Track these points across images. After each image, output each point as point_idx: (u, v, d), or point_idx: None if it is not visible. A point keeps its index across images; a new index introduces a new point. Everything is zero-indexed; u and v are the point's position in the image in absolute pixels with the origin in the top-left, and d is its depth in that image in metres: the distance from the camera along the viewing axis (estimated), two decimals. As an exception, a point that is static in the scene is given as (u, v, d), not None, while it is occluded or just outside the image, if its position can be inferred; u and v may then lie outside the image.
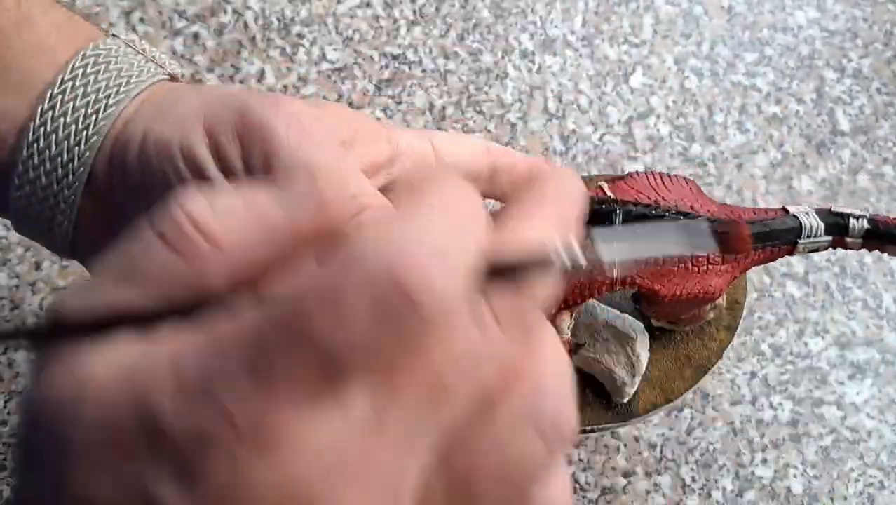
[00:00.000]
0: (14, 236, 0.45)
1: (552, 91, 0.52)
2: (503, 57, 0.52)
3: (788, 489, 0.42)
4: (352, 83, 0.50)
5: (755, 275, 0.47)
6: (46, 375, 0.17)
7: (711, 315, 0.38)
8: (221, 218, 0.17)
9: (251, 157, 0.25)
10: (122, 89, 0.27)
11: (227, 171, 0.26)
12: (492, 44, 0.53)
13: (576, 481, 0.41)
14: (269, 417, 0.15)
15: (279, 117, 0.26)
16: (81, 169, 0.27)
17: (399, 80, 0.51)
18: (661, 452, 0.42)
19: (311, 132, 0.26)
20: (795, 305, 0.47)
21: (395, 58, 0.52)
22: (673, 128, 0.51)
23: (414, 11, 0.53)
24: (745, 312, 0.39)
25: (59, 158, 0.27)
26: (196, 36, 0.51)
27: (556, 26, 0.54)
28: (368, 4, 0.53)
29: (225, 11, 0.52)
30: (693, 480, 0.42)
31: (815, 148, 0.51)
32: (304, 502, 0.15)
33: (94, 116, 0.27)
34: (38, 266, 0.44)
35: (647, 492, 0.41)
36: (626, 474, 0.42)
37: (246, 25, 0.51)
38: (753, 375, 0.45)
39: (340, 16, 0.53)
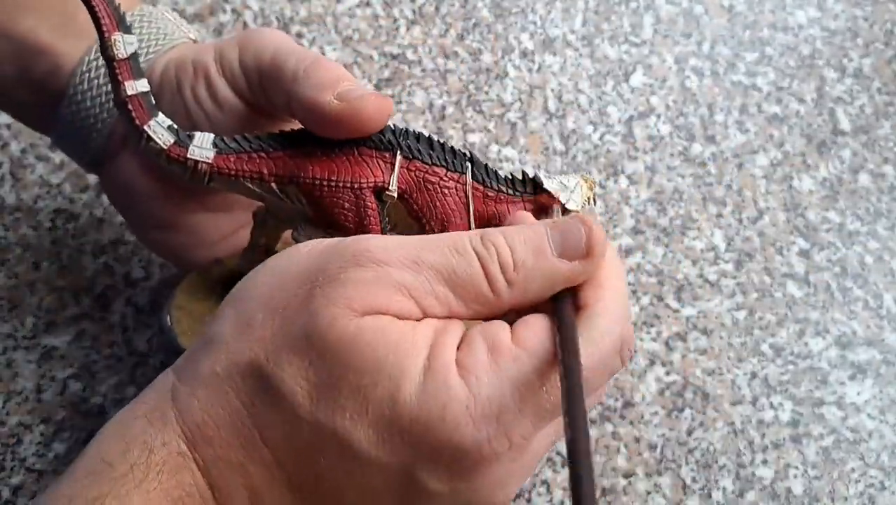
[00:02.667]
0: (13, 236, 0.45)
1: (552, 90, 0.52)
2: (503, 56, 0.52)
3: (789, 490, 0.42)
4: (351, 83, 0.50)
5: (755, 275, 0.47)
6: (355, 308, 0.24)
7: None
8: (528, 267, 0.26)
9: (245, 57, 0.32)
10: (159, 42, 0.35)
11: (226, 73, 0.33)
12: (492, 43, 0.53)
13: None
14: (530, 435, 0.25)
15: (270, 30, 0.33)
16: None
17: (399, 80, 0.51)
18: (662, 452, 0.42)
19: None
20: (796, 306, 0.46)
21: (394, 57, 0.51)
22: (673, 127, 0.51)
23: (413, 11, 0.53)
24: None
25: (104, 88, 0.34)
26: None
27: (556, 26, 0.54)
28: (368, 4, 0.53)
29: (224, 11, 0.52)
30: (693, 480, 0.42)
31: (816, 147, 0.51)
32: (520, 480, 0.26)
33: (141, 57, 0.34)
34: (36, 266, 0.44)
35: (648, 493, 0.41)
36: (626, 475, 0.42)
37: (245, 25, 0.51)
38: (754, 375, 0.44)
39: (340, 15, 0.52)
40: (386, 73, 0.51)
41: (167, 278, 0.44)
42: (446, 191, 0.31)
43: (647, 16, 0.55)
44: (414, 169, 0.31)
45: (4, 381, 0.41)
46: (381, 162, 0.31)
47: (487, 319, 0.26)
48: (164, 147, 0.31)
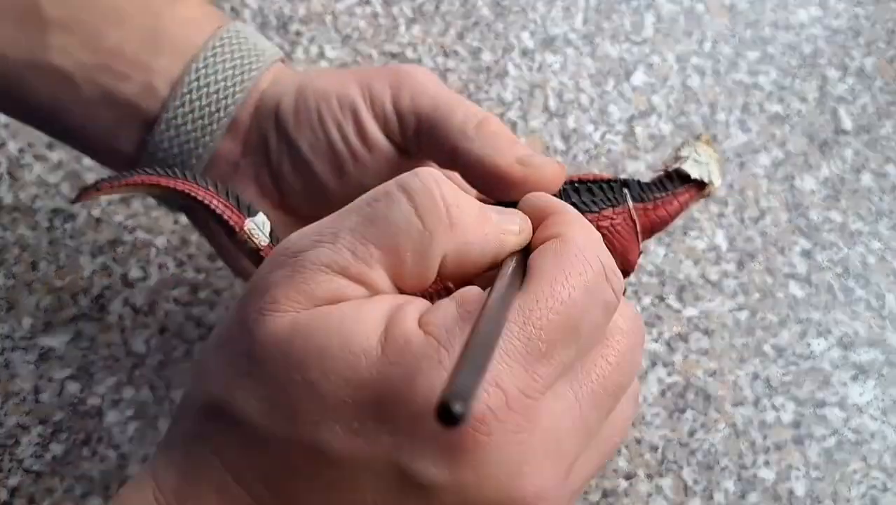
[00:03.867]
0: (10, 236, 0.44)
1: (553, 89, 0.51)
2: (503, 55, 0.52)
3: (791, 491, 0.42)
4: (351, 82, 0.50)
5: (757, 276, 0.47)
6: (283, 307, 0.22)
7: None
8: (462, 208, 0.23)
9: (400, 100, 0.31)
10: (261, 58, 0.34)
11: (377, 113, 0.32)
12: (492, 42, 0.52)
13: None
14: (529, 388, 0.21)
15: (418, 69, 0.32)
16: (225, 118, 0.33)
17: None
18: (663, 453, 0.42)
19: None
20: (798, 306, 0.46)
21: (394, 56, 0.51)
22: (675, 127, 0.51)
23: (413, 9, 0.53)
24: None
25: (208, 108, 0.33)
26: (194, 34, 0.50)
27: (556, 24, 0.53)
28: (367, 2, 0.53)
29: (222, 9, 0.52)
30: (695, 482, 0.41)
31: (818, 147, 0.51)
32: (547, 464, 0.22)
33: (239, 78, 0.33)
34: (34, 266, 0.44)
35: (649, 494, 0.41)
36: (627, 476, 0.41)
37: (244, 23, 0.51)
38: (756, 376, 0.44)
39: (339, 14, 0.52)
40: (386, 72, 0.51)
41: (165, 279, 0.44)
42: (618, 227, 0.32)
43: (648, 14, 0.54)
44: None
45: (2, 382, 0.41)
46: None
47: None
48: None
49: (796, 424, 0.43)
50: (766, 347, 0.45)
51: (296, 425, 0.21)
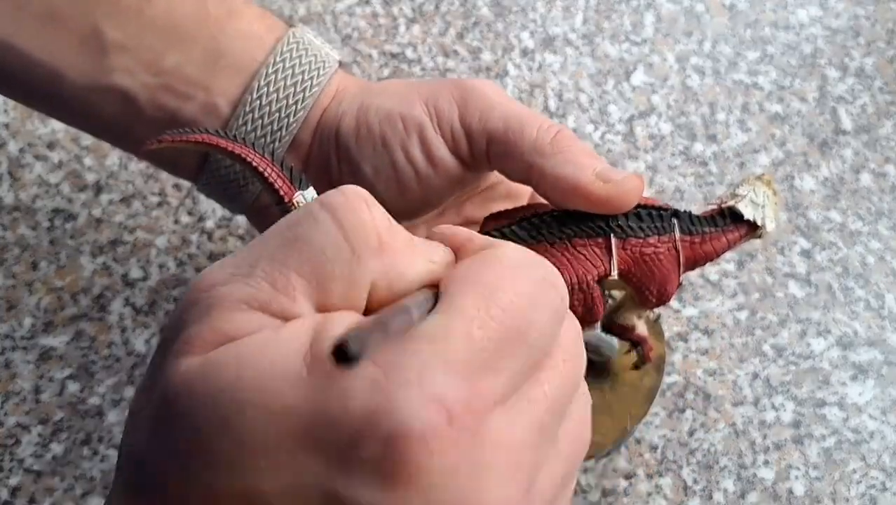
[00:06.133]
0: (11, 236, 0.44)
1: (552, 89, 0.51)
2: (503, 55, 0.52)
3: (790, 491, 0.42)
4: (351, 82, 0.50)
5: (757, 275, 0.47)
6: (196, 348, 0.19)
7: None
8: (393, 233, 0.20)
9: (468, 118, 0.31)
10: (322, 71, 0.33)
11: (444, 132, 0.31)
12: (492, 42, 0.52)
13: (576, 483, 0.41)
14: (470, 397, 0.18)
15: (485, 84, 0.32)
16: (287, 137, 0.33)
17: (398, 79, 0.51)
18: (663, 453, 0.42)
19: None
20: (797, 306, 0.46)
21: (394, 56, 0.51)
22: (674, 126, 0.51)
23: (413, 9, 0.53)
24: (666, 360, 0.41)
25: (270, 127, 0.32)
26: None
27: (556, 24, 0.53)
28: (367, 2, 0.53)
29: (223, 9, 0.52)
30: (695, 481, 0.41)
31: (818, 147, 0.51)
32: (505, 481, 0.19)
33: (301, 94, 0.32)
34: (34, 266, 0.44)
35: (649, 494, 0.41)
36: (627, 476, 0.42)
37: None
38: (755, 375, 0.44)
39: (339, 13, 0.52)
40: (385, 72, 0.51)
41: (166, 279, 0.44)
42: (661, 256, 0.31)
43: (647, 14, 0.54)
44: (629, 247, 0.31)
45: (2, 381, 0.41)
46: (596, 250, 0.31)
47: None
48: None
49: (796, 424, 0.43)
50: (766, 347, 0.45)
51: (218, 474, 0.18)
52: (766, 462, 0.42)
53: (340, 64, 0.35)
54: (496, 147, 0.31)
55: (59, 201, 0.46)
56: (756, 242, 0.48)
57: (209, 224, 0.46)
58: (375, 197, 0.32)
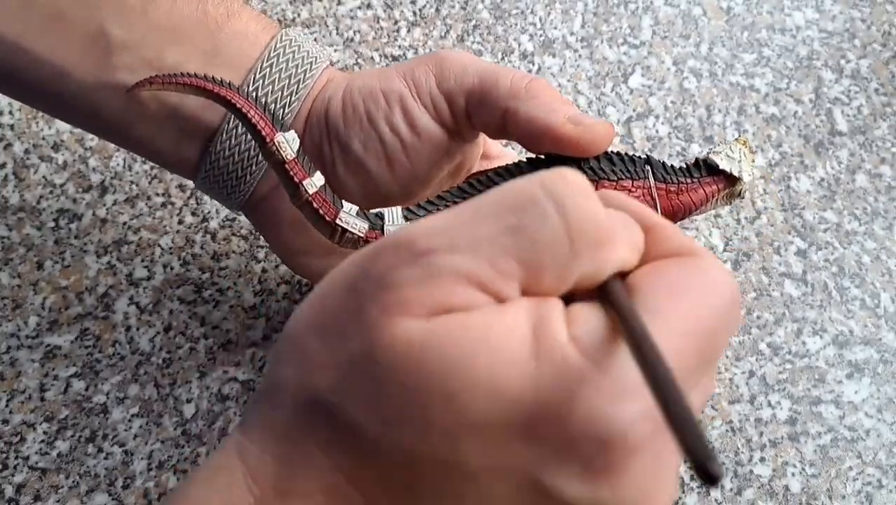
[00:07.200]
0: (16, 236, 0.45)
1: (552, 92, 0.52)
2: (503, 58, 0.53)
3: (787, 488, 0.42)
4: (352, 84, 0.51)
5: (753, 275, 0.47)
6: (415, 311, 0.20)
7: None
8: (610, 224, 0.21)
9: (445, 81, 0.32)
10: (314, 66, 0.35)
11: (423, 100, 0.33)
12: (492, 45, 0.53)
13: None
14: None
15: (457, 52, 0.34)
16: None
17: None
18: (660, 450, 0.42)
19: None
20: (793, 305, 0.47)
21: (395, 59, 0.52)
22: (672, 128, 0.51)
23: (414, 13, 0.53)
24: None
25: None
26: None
27: (555, 27, 0.54)
28: (369, 6, 0.53)
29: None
30: (692, 478, 0.42)
31: (814, 148, 0.52)
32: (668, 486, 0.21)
33: (295, 86, 0.34)
34: (40, 266, 0.44)
35: (647, 490, 0.42)
36: (625, 473, 0.42)
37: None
38: (752, 373, 0.45)
39: (341, 17, 0.53)
40: (386, 75, 0.51)
41: (170, 278, 0.45)
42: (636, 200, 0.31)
43: (645, 17, 0.55)
44: (602, 189, 0.31)
45: (8, 379, 0.42)
46: None
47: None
48: (361, 235, 0.30)
49: (792, 422, 0.44)
50: (762, 346, 0.46)
51: (428, 439, 0.20)
52: (763, 459, 0.43)
53: (332, 64, 0.37)
54: (473, 100, 0.32)
55: (63, 202, 0.46)
56: (752, 242, 0.48)
57: (213, 224, 0.46)
58: (366, 175, 0.34)
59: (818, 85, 0.54)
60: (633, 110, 0.52)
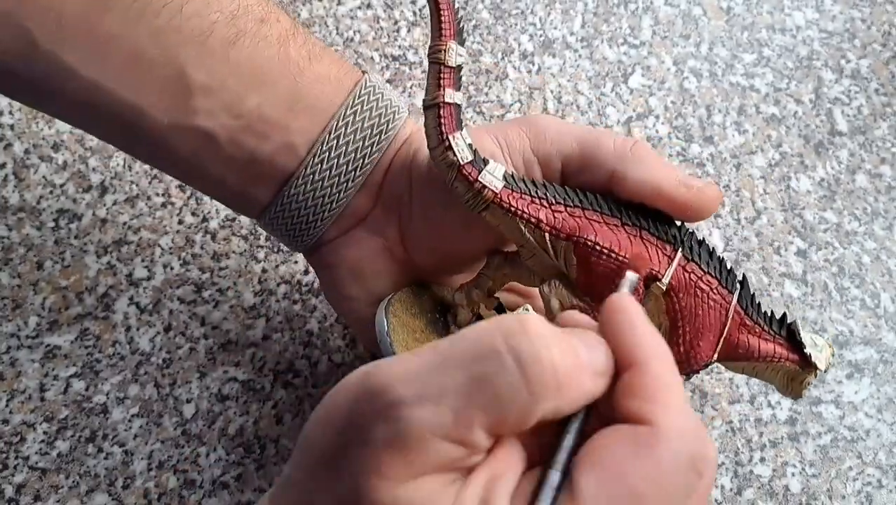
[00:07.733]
0: (16, 236, 0.45)
1: (551, 92, 0.52)
2: (503, 58, 0.53)
3: (787, 488, 0.42)
4: (352, 84, 0.51)
5: (753, 275, 0.47)
6: (391, 475, 0.21)
7: None
8: (569, 366, 0.22)
9: (541, 144, 0.33)
10: (397, 115, 0.35)
11: (515, 161, 0.33)
12: (492, 45, 0.53)
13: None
14: None
15: (546, 117, 0.34)
16: (360, 177, 0.34)
17: (400, 81, 0.51)
18: (661, 450, 0.43)
19: None
20: (794, 305, 0.47)
21: (395, 59, 0.52)
22: (672, 128, 0.51)
23: (414, 13, 0.53)
24: None
25: (345, 166, 0.34)
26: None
27: (555, 27, 0.54)
28: (369, 6, 0.53)
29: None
30: None
31: (814, 148, 0.52)
32: None
33: (376, 138, 0.34)
34: (39, 266, 0.44)
35: (647, 490, 0.42)
36: (625, 473, 0.42)
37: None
38: (752, 374, 0.45)
39: (341, 17, 0.53)
40: (387, 75, 0.51)
41: (170, 278, 0.45)
42: (712, 303, 0.31)
43: (645, 17, 0.55)
44: (689, 271, 0.31)
45: (8, 379, 0.42)
46: (660, 252, 0.31)
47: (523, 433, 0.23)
48: (461, 162, 0.31)
49: (792, 422, 0.44)
50: (763, 346, 0.46)
51: None
52: (763, 459, 0.43)
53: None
54: (572, 165, 0.33)
55: (63, 202, 0.46)
56: (752, 242, 0.48)
57: (213, 224, 0.46)
58: (442, 238, 0.34)
59: (818, 85, 0.54)
60: (633, 110, 0.52)
